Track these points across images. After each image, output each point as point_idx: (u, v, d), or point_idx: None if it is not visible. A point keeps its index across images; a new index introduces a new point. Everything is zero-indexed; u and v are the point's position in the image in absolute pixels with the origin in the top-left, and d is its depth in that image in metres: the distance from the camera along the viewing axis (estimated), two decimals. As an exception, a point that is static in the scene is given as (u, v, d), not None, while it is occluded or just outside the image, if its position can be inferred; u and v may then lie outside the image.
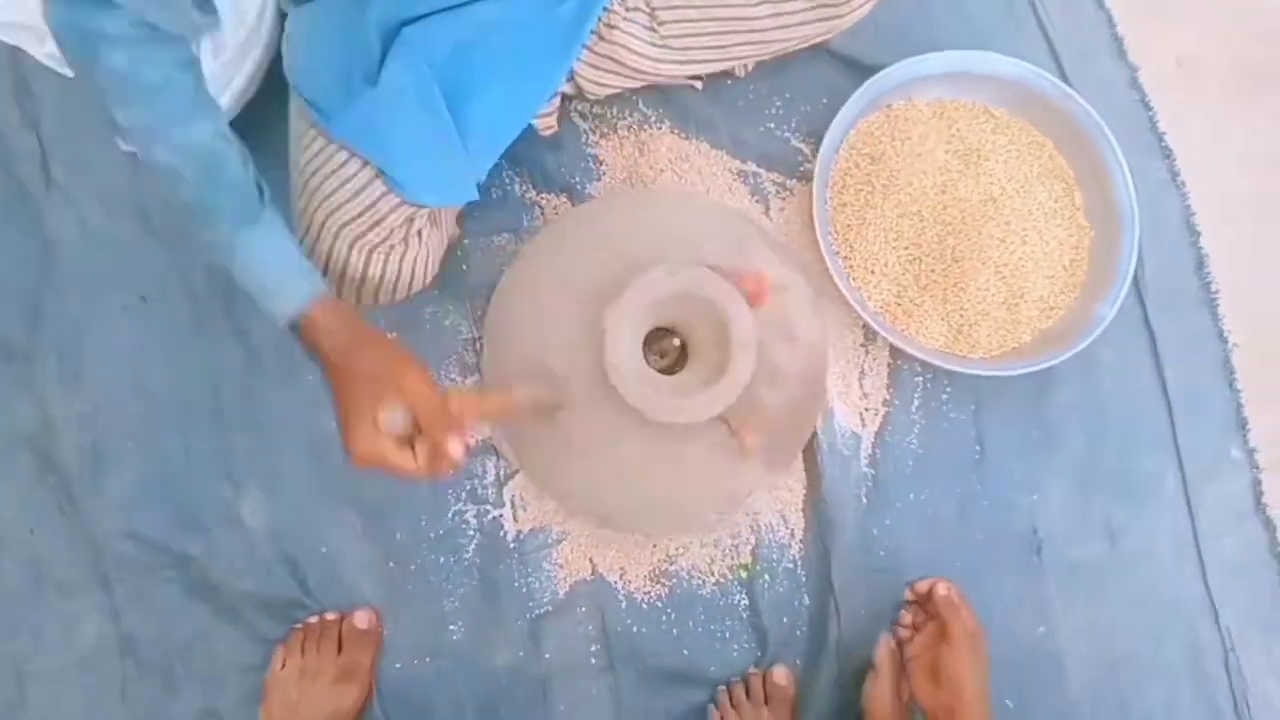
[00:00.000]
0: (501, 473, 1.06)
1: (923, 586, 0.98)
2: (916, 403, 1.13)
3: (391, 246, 0.88)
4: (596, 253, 0.92)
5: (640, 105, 1.13)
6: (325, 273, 0.89)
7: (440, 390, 0.75)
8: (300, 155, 0.90)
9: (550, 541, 1.05)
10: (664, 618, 1.06)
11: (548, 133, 1.05)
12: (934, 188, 1.12)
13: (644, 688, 1.04)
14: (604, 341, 0.86)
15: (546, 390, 0.88)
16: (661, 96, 1.13)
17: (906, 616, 0.99)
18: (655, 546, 1.07)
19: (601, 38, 1.01)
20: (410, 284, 0.92)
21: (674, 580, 1.06)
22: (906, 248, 1.12)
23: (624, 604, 1.05)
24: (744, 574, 1.08)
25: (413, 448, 0.74)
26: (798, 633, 1.07)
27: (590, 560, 1.06)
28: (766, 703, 1.03)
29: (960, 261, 1.10)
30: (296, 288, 0.74)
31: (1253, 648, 1.13)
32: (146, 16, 0.68)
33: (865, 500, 1.10)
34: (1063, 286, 1.14)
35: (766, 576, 1.08)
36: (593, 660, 1.04)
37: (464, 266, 1.08)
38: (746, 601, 1.07)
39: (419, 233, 0.91)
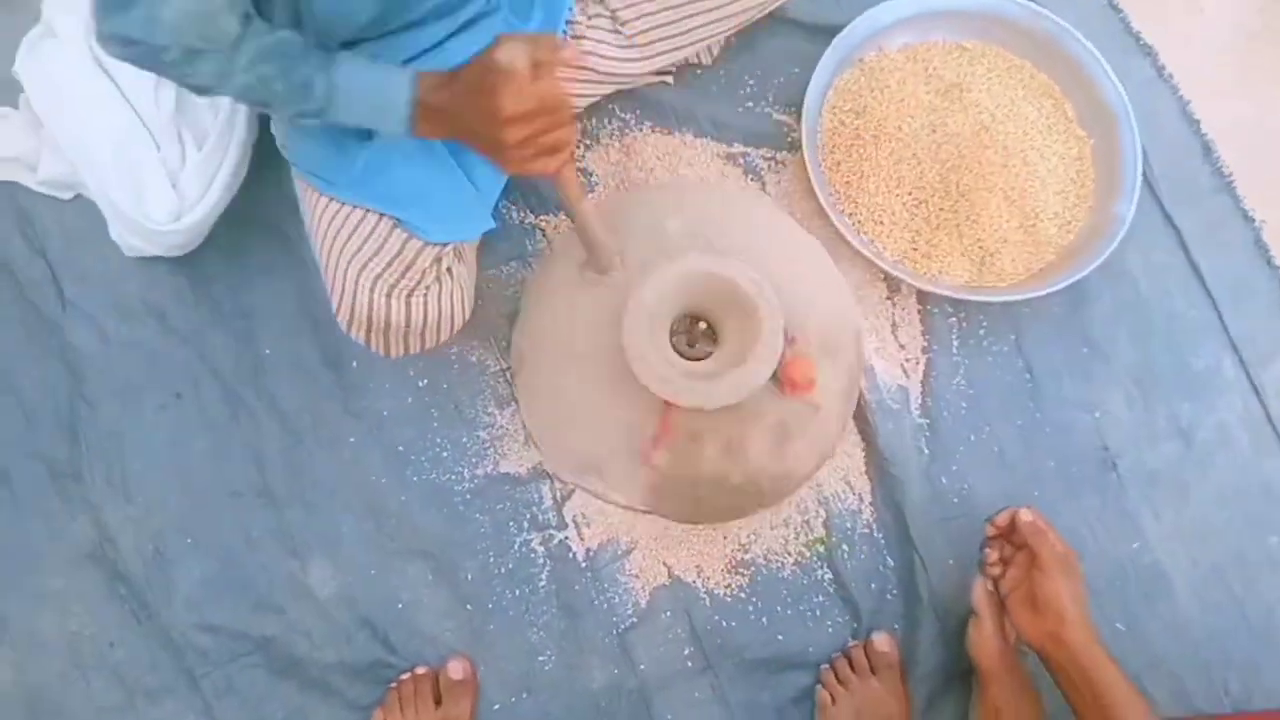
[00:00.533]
0: (558, 495, 1.04)
1: (1003, 519, 0.95)
2: (955, 343, 1.11)
3: (426, 288, 0.89)
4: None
5: (618, 111, 1.14)
6: (369, 328, 0.89)
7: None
8: (316, 224, 0.91)
9: (620, 553, 1.03)
10: (750, 607, 1.03)
11: None
12: (924, 129, 1.12)
13: (746, 681, 1.01)
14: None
15: (606, 236, 0.90)
16: (636, 98, 1.14)
17: (993, 553, 0.96)
18: (726, 538, 1.05)
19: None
20: (451, 321, 0.93)
21: (752, 568, 1.04)
22: (910, 192, 1.11)
23: (707, 601, 1.03)
24: (821, 548, 1.05)
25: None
26: (888, 596, 1.05)
27: (664, 564, 1.04)
28: (874, 672, 1.00)
29: (967, 195, 1.09)
30: (397, 82, 0.77)
31: (1356, 517, 1.09)
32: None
33: (926, 450, 1.08)
34: (1075, 199, 1.13)
35: (844, 546, 1.05)
36: (689, 663, 1.01)
37: (479, 301, 1.08)
38: (830, 575, 1.05)
39: (449, 270, 0.92)
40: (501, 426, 1.06)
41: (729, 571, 1.04)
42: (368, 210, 0.88)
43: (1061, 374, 1.12)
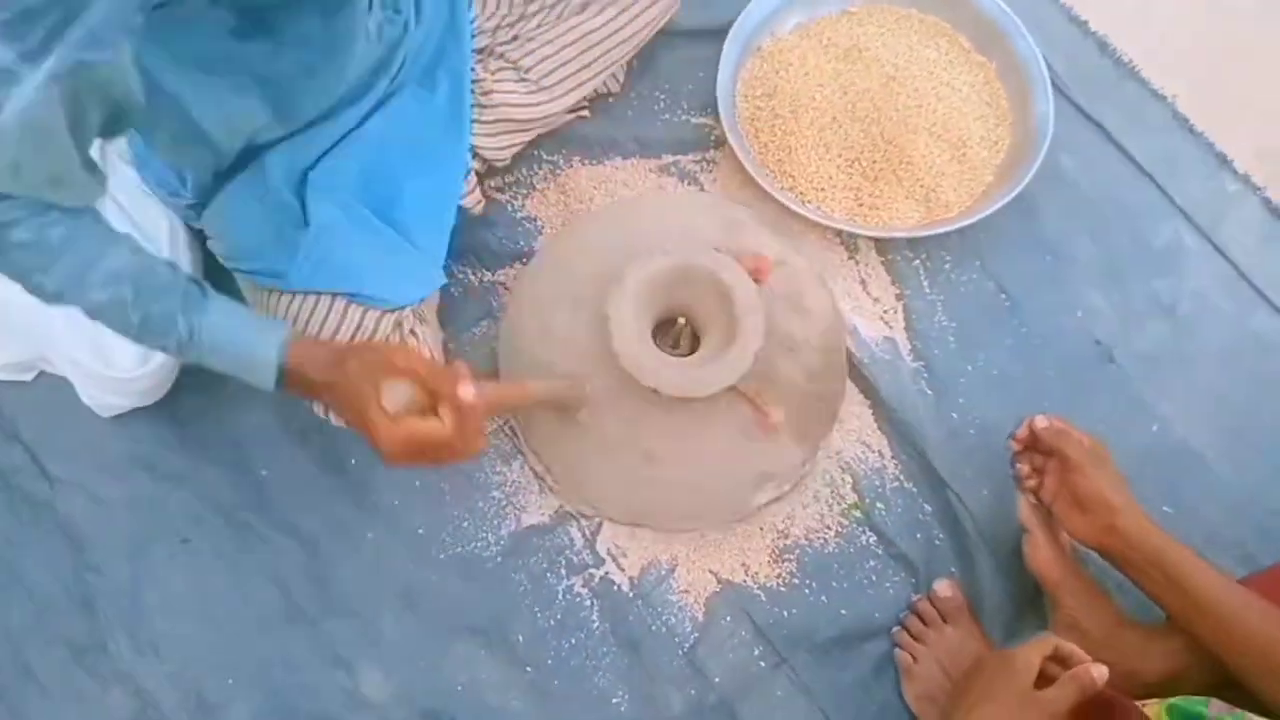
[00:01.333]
0: (587, 532, 1.03)
1: (1022, 432, 0.95)
2: (926, 284, 1.13)
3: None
4: (593, 256, 0.94)
5: (544, 155, 1.16)
6: None
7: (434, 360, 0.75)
8: None
9: (664, 573, 1.01)
10: (806, 591, 1.01)
11: (479, 209, 1.07)
12: (835, 94, 1.15)
13: (822, 665, 0.98)
14: (608, 328, 0.86)
15: (565, 385, 0.90)
16: (560, 138, 1.16)
17: (1024, 467, 0.95)
18: (763, 529, 1.03)
19: (484, 105, 1.05)
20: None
21: (797, 551, 1.03)
22: (840, 154, 1.14)
23: (762, 596, 1.01)
24: (858, 513, 1.04)
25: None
26: (936, 543, 1.03)
27: (710, 572, 1.02)
28: (945, 620, 0.98)
29: (894, 141, 1.12)
30: (266, 342, 0.75)
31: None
32: (44, 197, 0.67)
33: (929, 391, 1.09)
34: (994, 119, 1.17)
35: (880, 505, 1.04)
36: (761, 663, 0.99)
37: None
38: (874, 538, 1.04)
39: (412, 332, 0.92)
40: (514, 481, 1.05)
41: (775, 561, 1.02)
42: (320, 294, 0.89)
43: (1034, 285, 1.13)
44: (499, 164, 1.10)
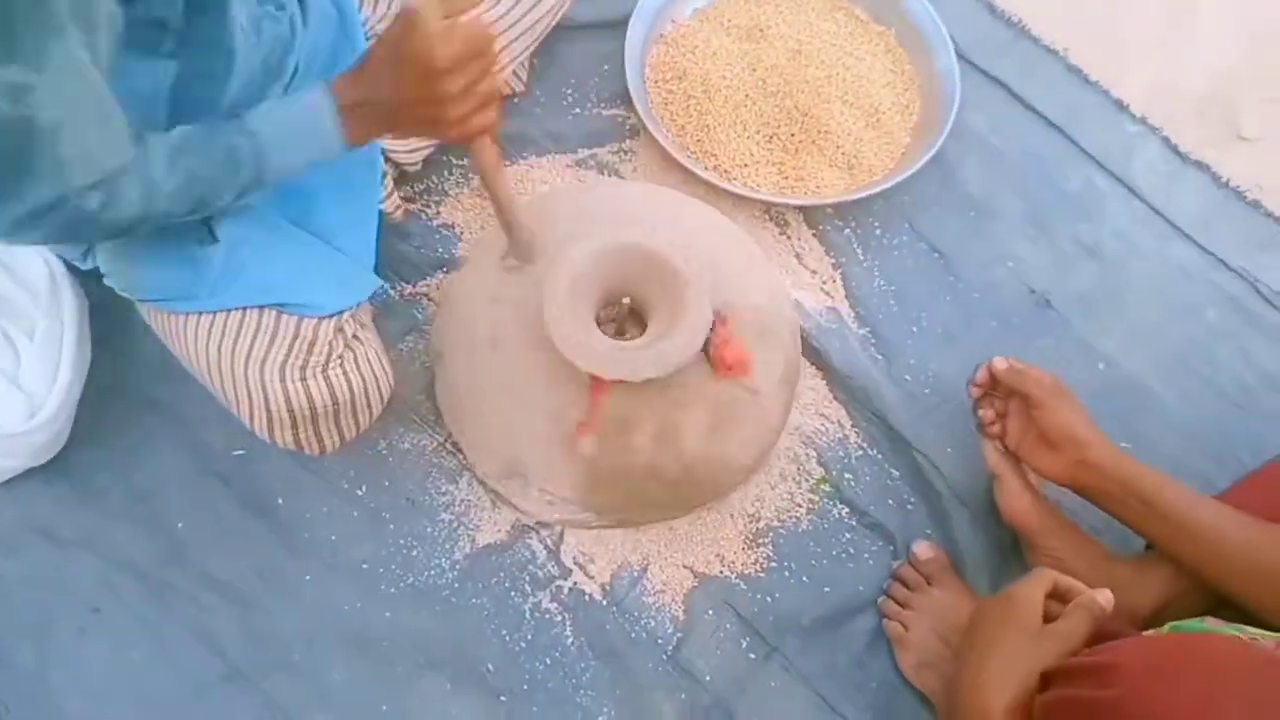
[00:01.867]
0: (549, 543, 0.96)
1: (981, 376, 0.93)
2: (859, 251, 1.12)
3: (340, 358, 0.82)
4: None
5: (454, 160, 1.11)
6: (293, 424, 0.83)
7: None
8: (190, 348, 0.82)
9: (636, 575, 0.95)
10: (786, 573, 0.96)
11: (399, 213, 1.01)
12: (744, 72, 1.14)
13: (814, 648, 0.93)
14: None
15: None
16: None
17: (987, 413, 0.93)
18: (733, 516, 0.98)
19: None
20: (378, 388, 0.87)
21: (770, 534, 0.98)
22: (758, 130, 1.12)
23: (743, 586, 0.95)
24: (826, 487, 1.00)
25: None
26: (909, 507, 1.00)
27: (684, 567, 0.96)
28: (931, 583, 0.94)
29: (809, 113, 1.11)
30: (314, 101, 0.71)
31: (1263, 263, 1.14)
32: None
33: (880, 356, 1.06)
34: (901, 85, 1.17)
35: (848, 476, 1.01)
36: (751, 655, 0.93)
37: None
38: (846, 509, 1.00)
39: (355, 336, 0.84)
40: (463, 500, 0.97)
41: (749, 547, 0.97)
42: (244, 310, 0.81)
43: (963, 241, 1.13)
44: (410, 168, 1.05)
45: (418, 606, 0.92)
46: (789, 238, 1.12)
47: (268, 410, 0.79)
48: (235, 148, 0.69)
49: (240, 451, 0.96)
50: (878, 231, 1.13)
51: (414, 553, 0.94)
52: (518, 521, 0.96)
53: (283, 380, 0.78)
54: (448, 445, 0.99)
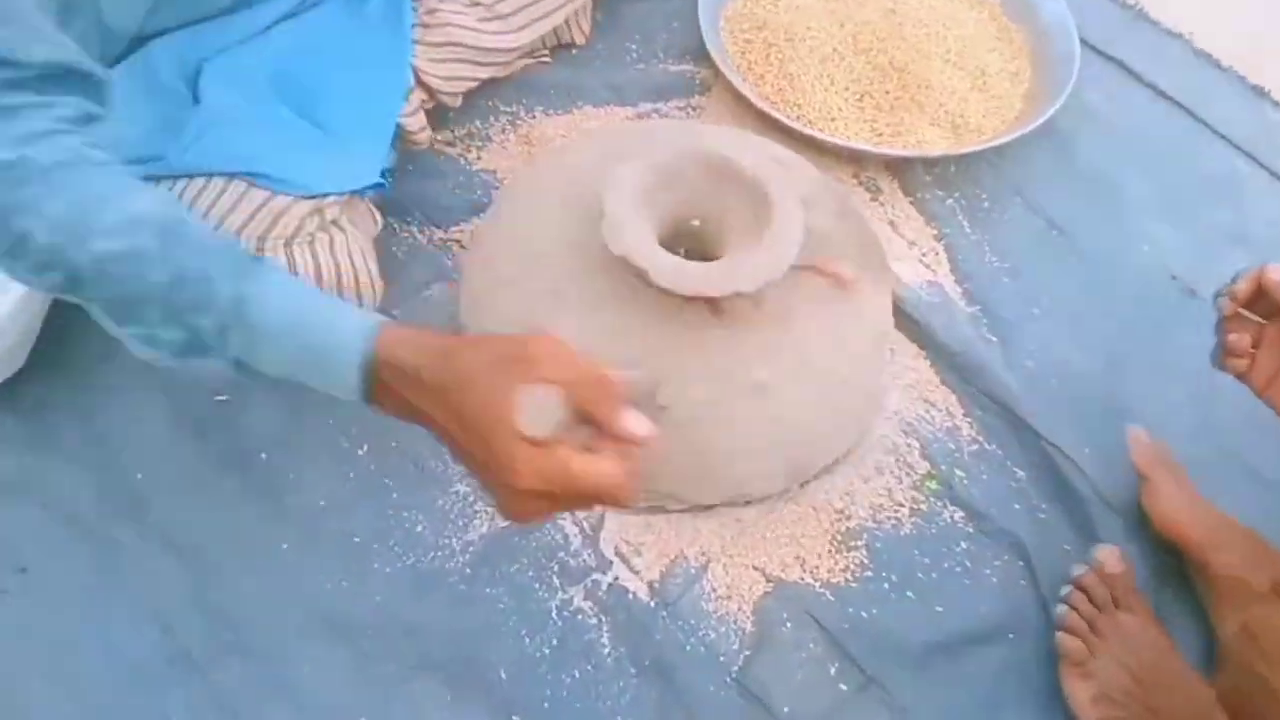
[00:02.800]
0: (586, 527, 0.76)
1: (1243, 287, 0.67)
2: (965, 223, 0.96)
3: (311, 236, 0.66)
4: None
5: (501, 105, 0.99)
6: None
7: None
8: None
9: (694, 573, 0.75)
10: (886, 585, 0.76)
11: (422, 136, 0.87)
12: (832, 26, 1.01)
13: (925, 680, 0.72)
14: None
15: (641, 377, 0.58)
16: (517, 86, 0.99)
17: (1241, 336, 0.67)
18: (816, 510, 0.79)
19: (428, 25, 0.88)
20: (356, 283, 0.69)
21: (864, 536, 0.78)
22: (847, 87, 0.98)
23: (829, 596, 0.75)
24: (934, 485, 0.81)
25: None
26: (1040, 513, 0.80)
27: (754, 568, 0.76)
28: (1117, 604, 0.72)
29: (907, 68, 0.98)
30: (348, 324, 0.49)
31: None
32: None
33: (993, 338, 0.89)
34: (1011, 54, 1.04)
35: (959, 473, 0.81)
36: (843, 685, 0.71)
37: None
38: (961, 513, 0.80)
39: (334, 223, 0.69)
40: (483, 471, 0.79)
41: (837, 550, 0.77)
42: (210, 176, 0.67)
43: (1086, 220, 0.97)
44: (448, 101, 0.92)
45: (418, 593, 0.73)
46: (882, 205, 0.96)
47: None
48: (210, 290, 0.49)
49: (224, 398, 0.80)
50: (985, 203, 0.97)
51: (419, 528, 0.76)
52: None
53: None
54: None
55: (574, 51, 1.03)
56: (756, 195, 0.72)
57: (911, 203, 0.96)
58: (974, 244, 0.94)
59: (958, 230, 0.95)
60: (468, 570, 0.74)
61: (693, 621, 0.73)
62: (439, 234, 0.90)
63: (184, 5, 0.72)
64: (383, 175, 0.77)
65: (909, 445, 0.83)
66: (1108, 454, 0.81)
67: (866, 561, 0.77)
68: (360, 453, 0.78)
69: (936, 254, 0.94)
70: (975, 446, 0.83)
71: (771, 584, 0.75)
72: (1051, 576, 0.76)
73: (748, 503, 0.78)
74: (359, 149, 0.75)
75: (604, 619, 0.73)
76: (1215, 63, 1.10)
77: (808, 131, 0.92)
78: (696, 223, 0.75)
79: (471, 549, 0.75)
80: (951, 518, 0.79)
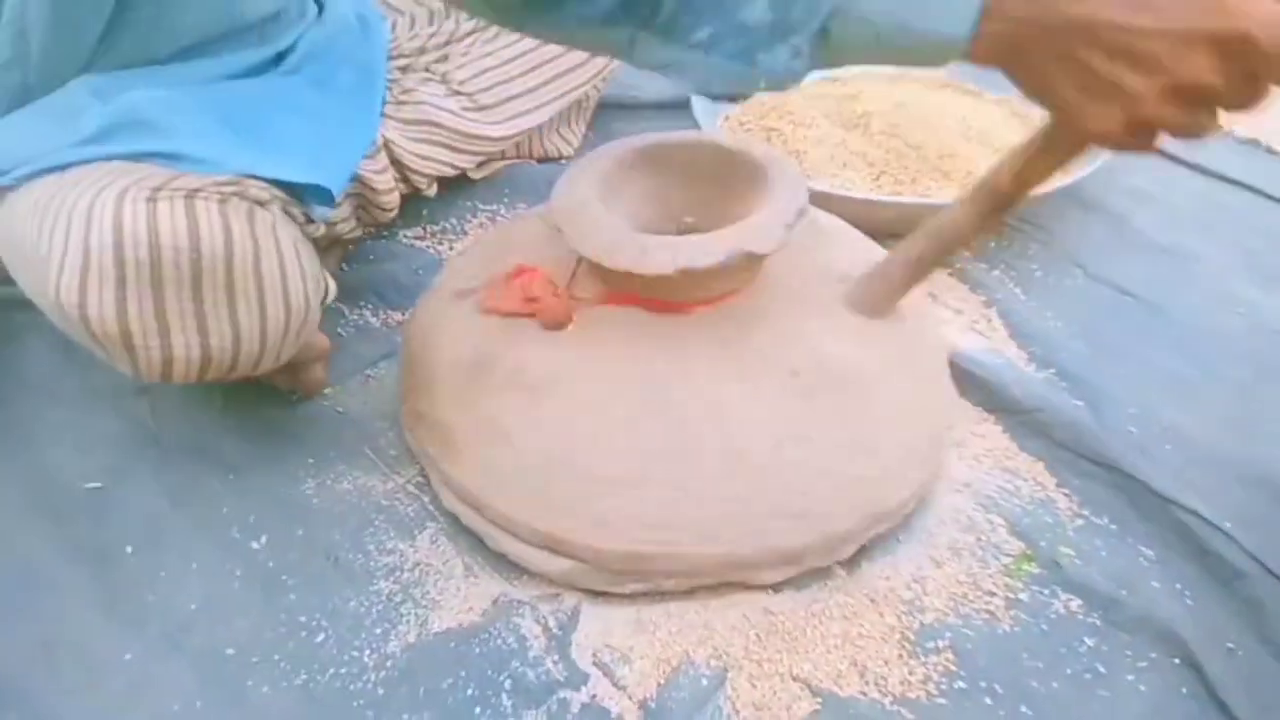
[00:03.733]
0: (551, 624, 0.55)
1: None
2: (1018, 290, 0.82)
3: (221, 196, 0.51)
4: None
5: (480, 204, 0.90)
6: (122, 288, 0.49)
7: None
8: (25, 207, 0.54)
9: (707, 682, 0.52)
10: (987, 700, 0.52)
11: (389, 201, 0.78)
12: (839, 119, 0.94)
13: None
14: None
15: None
16: (499, 185, 0.91)
17: None
18: (874, 603, 0.56)
19: (403, 102, 0.82)
20: (280, 264, 0.53)
21: (947, 635, 0.55)
22: (861, 169, 0.89)
23: (908, 715, 0.51)
24: (1031, 568, 0.59)
25: None
26: (1186, 596, 0.57)
27: (797, 680, 0.52)
28: None
29: (923, 147, 0.89)
30: None
31: None
32: None
33: (1080, 401, 0.70)
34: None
35: (1065, 551, 0.60)
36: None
37: (338, 409, 0.69)
38: (1079, 601, 0.57)
39: (260, 203, 0.54)
40: (419, 563, 0.59)
41: (910, 654, 0.54)
42: (109, 159, 0.54)
43: (1163, 286, 0.82)
44: (421, 185, 0.84)
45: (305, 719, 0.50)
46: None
47: (85, 249, 0.48)
48: None
49: (96, 485, 0.63)
50: (1038, 274, 0.83)
51: (320, 638, 0.55)
52: (503, 596, 0.57)
53: (119, 203, 0.49)
54: (409, 486, 0.63)
55: (562, 162, 0.96)
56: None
57: (950, 274, 0.82)
58: (1033, 310, 0.79)
59: (1011, 297, 0.80)
60: (380, 691, 0.52)
61: (708, 754, 0.49)
62: (394, 316, 0.77)
63: (135, 39, 0.64)
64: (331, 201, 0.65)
65: (990, 522, 0.62)
66: (1259, 524, 0.60)
67: (956, 667, 0.53)
68: (255, 545, 0.59)
69: (989, 320, 0.78)
70: (1081, 522, 0.62)
71: (821, 700, 0.51)
72: (1223, 678, 0.52)
73: (776, 587, 0.56)
74: (305, 155, 0.64)
75: (575, 755, 0.49)
76: (1267, 148, 1.01)
77: (821, 188, 0.80)
78: (690, 219, 0.61)
79: (390, 664, 0.53)
80: (1066, 608, 0.57)
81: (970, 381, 0.70)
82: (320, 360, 0.67)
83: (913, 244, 0.58)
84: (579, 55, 0.90)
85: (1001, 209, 0.54)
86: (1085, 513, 0.62)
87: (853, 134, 0.92)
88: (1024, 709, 0.52)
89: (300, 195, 0.59)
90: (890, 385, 0.57)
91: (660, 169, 0.62)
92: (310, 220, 0.61)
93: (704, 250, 0.54)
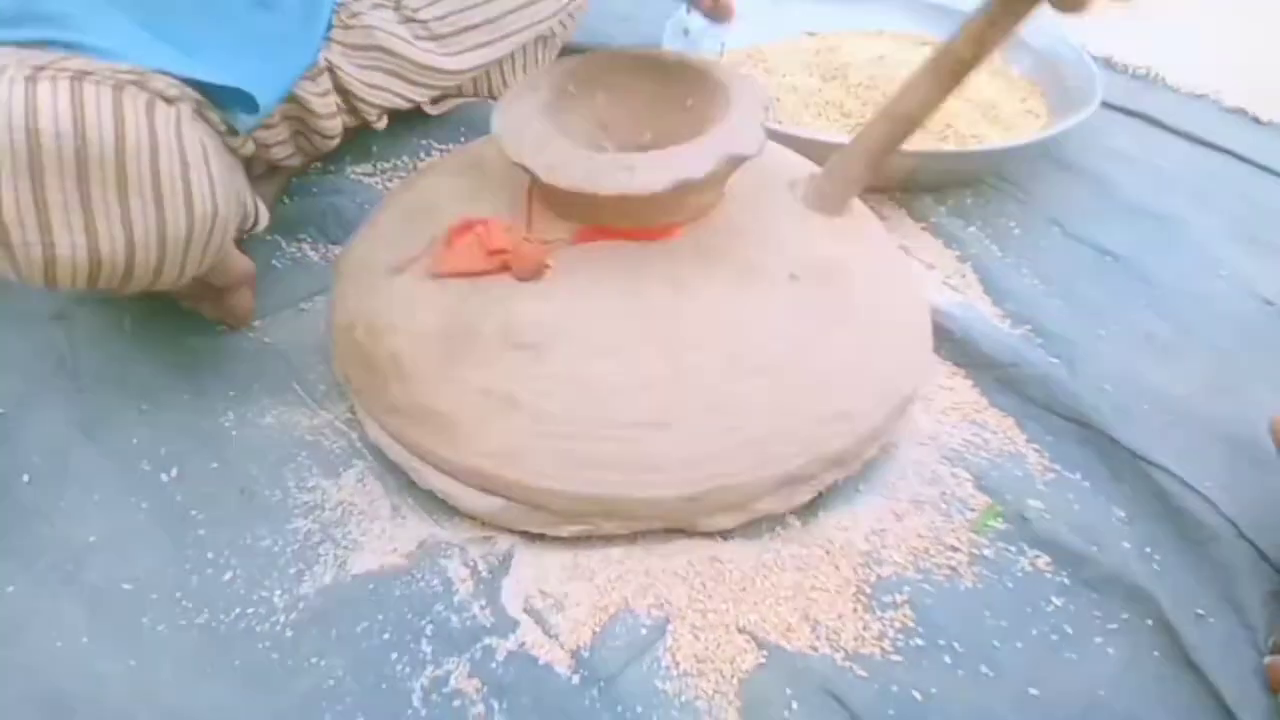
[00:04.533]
0: (480, 566, 0.51)
1: None
2: (995, 247, 0.78)
3: (115, 83, 0.46)
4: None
5: (435, 144, 0.85)
6: None
7: None
8: None
9: (645, 636, 0.48)
10: (946, 658, 0.48)
11: (331, 126, 0.73)
12: (817, 70, 0.91)
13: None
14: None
15: None
16: (455, 124, 0.87)
17: None
18: (828, 554, 0.53)
19: (349, 26, 0.77)
20: (181, 156, 0.48)
21: (907, 589, 0.51)
22: (838, 119, 0.85)
23: (860, 671, 0.47)
24: (996, 523, 0.56)
25: None
26: (1155, 562, 0.54)
27: (743, 631, 0.49)
28: None
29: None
30: None
31: None
32: None
33: (1056, 358, 0.67)
34: (1024, 93, 0.92)
35: (1035, 504, 0.56)
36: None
37: (266, 340, 0.64)
38: (1046, 558, 0.54)
39: (165, 98, 0.49)
40: (342, 503, 0.54)
41: (867, 606, 0.50)
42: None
43: (1147, 248, 0.79)
44: (370, 116, 0.79)
45: (200, 665, 0.46)
46: (889, 231, 0.78)
47: None
48: None
49: (-3, 412, 0.58)
50: (1016, 231, 0.79)
51: (228, 575, 0.50)
52: (431, 539, 0.53)
53: None
54: (337, 423, 0.59)
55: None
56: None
57: (924, 228, 0.79)
58: (1009, 266, 0.75)
59: (986, 252, 0.76)
60: (288, 634, 0.48)
61: (640, 708, 0.45)
62: (334, 250, 0.73)
63: None
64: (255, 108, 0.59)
65: (954, 475, 0.58)
66: (1239, 487, 0.57)
67: (912, 625, 0.50)
68: (165, 478, 0.55)
69: (963, 275, 0.74)
70: (1052, 475, 0.58)
71: (767, 653, 0.48)
72: (1197, 642, 0.49)
73: (725, 535, 0.52)
74: (229, 62, 0.59)
75: (497, 704, 0.45)
76: (1254, 117, 0.98)
77: (791, 131, 0.76)
78: (649, 135, 0.57)
79: (301, 605, 0.49)
80: (1033, 564, 0.53)
81: (941, 335, 0.66)
82: (245, 285, 0.62)
83: (869, 132, 0.56)
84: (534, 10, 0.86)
85: (962, 76, 0.52)
86: (1056, 467, 0.59)
87: (830, 85, 0.88)
88: (984, 669, 0.48)
89: (221, 103, 0.55)
90: (880, 282, 0.55)
91: (606, 89, 0.57)
92: (234, 132, 0.56)
93: (694, 160, 0.50)
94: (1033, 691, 0.47)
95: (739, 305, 0.51)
